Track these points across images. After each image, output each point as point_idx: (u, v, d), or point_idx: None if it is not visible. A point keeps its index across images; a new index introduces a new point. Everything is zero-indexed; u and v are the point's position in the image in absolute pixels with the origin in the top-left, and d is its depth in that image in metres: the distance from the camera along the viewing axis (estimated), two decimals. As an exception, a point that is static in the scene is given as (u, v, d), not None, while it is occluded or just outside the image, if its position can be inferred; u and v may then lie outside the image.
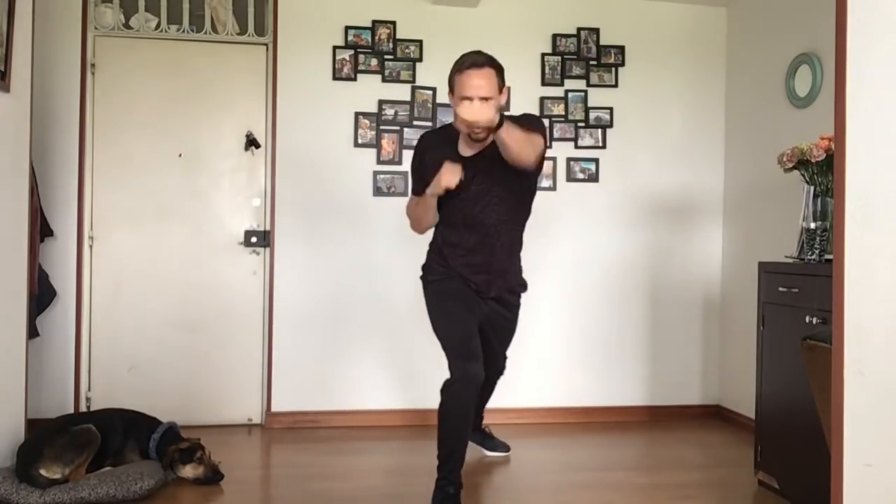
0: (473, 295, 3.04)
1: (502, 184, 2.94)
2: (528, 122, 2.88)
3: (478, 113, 2.64)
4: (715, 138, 4.57)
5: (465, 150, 2.97)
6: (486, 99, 2.77)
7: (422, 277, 3.16)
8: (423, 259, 4.27)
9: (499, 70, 2.86)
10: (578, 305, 4.43)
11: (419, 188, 3.04)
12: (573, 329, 4.42)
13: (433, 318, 3.01)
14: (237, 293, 4.17)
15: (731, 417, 4.40)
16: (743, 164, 4.37)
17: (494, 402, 4.22)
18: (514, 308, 3.25)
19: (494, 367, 3.37)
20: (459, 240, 3.02)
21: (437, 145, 3.03)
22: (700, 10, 4.54)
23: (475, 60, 2.82)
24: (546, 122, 4.37)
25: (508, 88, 3.01)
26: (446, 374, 2.88)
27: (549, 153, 4.36)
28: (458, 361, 2.81)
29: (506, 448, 3.71)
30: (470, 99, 2.77)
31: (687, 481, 3.33)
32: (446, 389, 2.81)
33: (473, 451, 3.73)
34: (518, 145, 2.73)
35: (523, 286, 3.24)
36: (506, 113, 2.83)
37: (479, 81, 2.78)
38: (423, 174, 2.99)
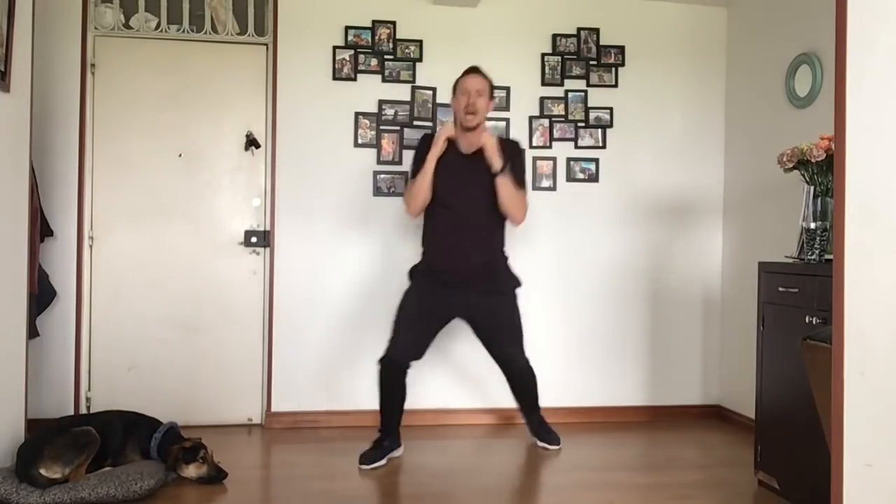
0: (443, 298, 3.49)
1: (486, 185, 3.44)
2: (517, 176, 3.50)
3: (486, 139, 3.45)
4: (715, 138, 4.57)
5: (463, 150, 3.52)
6: (478, 92, 3.46)
7: (410, 271, 3.65)
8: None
9: (489, 81, 3.56)
10: (578, 305, 4.43)
11: (418, 169, 3.50)
12: (573, 329, 4.42)
13: (399, 306, 3.55)
14: (237, 293, 4.17)
15: (731, 417, 4.40)
16: (743, 164, 4.37)
17: (494, 401, 4.25)
18: (504, 299, 3.57)
19: (511, 363, 3.66)
20: (439, 221, 3.51)
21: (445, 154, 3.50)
22: (700, 10, 4.54)
23: (473, 68, 3.57)
24: (546, 122, 4.38)
25: (494, 101, 3.65)
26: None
27: (549, 153, 4.40)
28: (389, 346, 3.51)
29: (556, 441, 3.81)
30: (467, 92, 3.45)
31: (687, 481, 3.33)
32: (378, 366, 3.51)
33: (473, 451, 3.73)
34: (510, 201, 3.45)
35: (513, 280, 3.60)
36: (497, 135, 3.67)
37: (474, 82, 3.50)
38: (423, 156, 3.48)
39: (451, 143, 3.49)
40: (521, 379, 3.72)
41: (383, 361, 3.49)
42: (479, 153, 3.44)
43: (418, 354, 3.51)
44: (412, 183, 3.52)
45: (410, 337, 3.49)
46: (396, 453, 3.60)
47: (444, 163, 3.45)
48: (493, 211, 3.49)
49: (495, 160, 3.40)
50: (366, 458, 3.46)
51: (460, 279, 3.48)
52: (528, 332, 4.18)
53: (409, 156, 4.26)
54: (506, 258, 3.62)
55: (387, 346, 3.50)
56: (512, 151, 3.54)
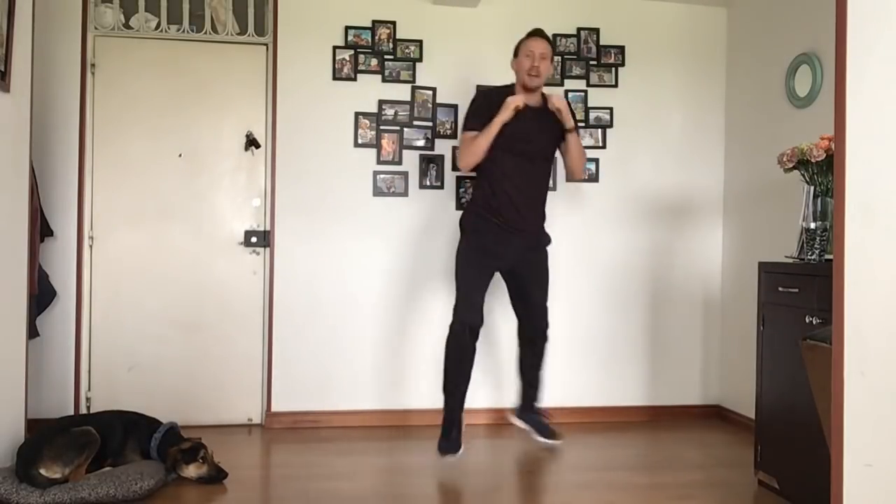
0: (501, 247, 3.57)
1: (547, 143, 3.66)
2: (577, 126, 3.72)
3: (558, 100, 3.65)
4: (715, 138, 4.57)
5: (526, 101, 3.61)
6: (543, 56, 3.58)
7: (460, 224, 3.70)
8: (423, 259, 4.30)
9: (552, 46, 3.68)
10: (578, 306, 4.43)
11: (479, 122, 3.54)
12: (573, 329, 4.42)
13: (457, 266, 3.64)
14: (237, 293, 4.17)
15: (732, 417, 4.40)
16: (743, 164, 4.37)
17: (495, 401, 4.24)
18: (543, 251, 3.74)
19: (536, 324, 3.76)
20: (506, 169, 3.56)
21: (500, 94, 3.61)
22: (700, 10, 4.54)
23: (538, 32, 3.66)
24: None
25: (555, 62, 3.89)
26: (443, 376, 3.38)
27: (549, 153, 4.40)
28: (461, 309, 3.53)
29: (556, 437, 3.81)
30: (531, 54, 3.56)
31: (687, 481, 3.33)
32: (450, 330, 3.52)
33: (474, 451, 3.74)
34: (580, 156, 3.71)
35: (548, 237, 3.75)
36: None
37: (540, 45, 3.60)
38: (489, 109, 3.54)
39: (516, 116, 3.55)
40: (540, 344, 3.78)
41: (457, 328, 3.50)
42: (541, 112, 3.61)
43: (482, 313, 3.54)
44: (471, 138, 3.55)
45: (475, 295, 3.53)
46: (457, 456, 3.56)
47: (515, 123, 3.52)
48: (549, 169, 3.72)
49: (569, 119, 3.60)
50: (448, 450, 3.47)
51: (518, 228, 3.58)
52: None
53: (409, 156, 4.27)
54: (545, 215, 3.76)
55: (457, 310, 3.53)
56: (569, 105, 3.74)
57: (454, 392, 3.54)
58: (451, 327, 3.52)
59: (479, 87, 3.82)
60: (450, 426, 3.52)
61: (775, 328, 3.10)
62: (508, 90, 3.62)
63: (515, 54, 3.65)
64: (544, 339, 3.79)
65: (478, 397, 4.26)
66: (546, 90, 4.36)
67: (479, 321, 3.52)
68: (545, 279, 3.76)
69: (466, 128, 3.62)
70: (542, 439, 3.80)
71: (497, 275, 3.71)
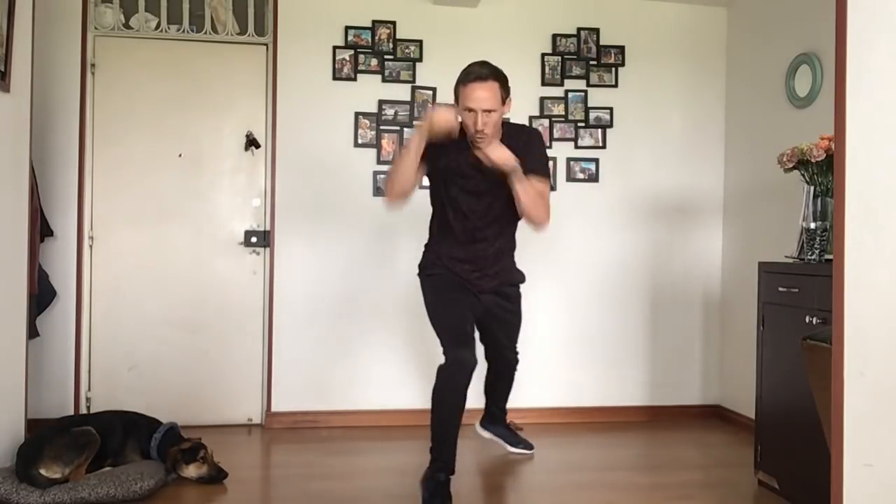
0: (467, 288, 3.13)
1: (502, 192, 3.00)
2: (536, 167, 3.02)
3: (498, 156, 2.87)
4: (715, 138, 4.57)
5: (480, 157, 2.98)
6: (488, 111, 2.86)
7: (419, 273, 3.24)
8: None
9: (503, 82, 2.92)
10: (578, 305, 4.43)
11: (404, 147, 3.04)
12: (573, 329, 4.42)
13: (429, 307, 3.11)
14: (237, 293, 4.17)
15: (731, 417, 4.40)
16: (743, 164, 4.37)
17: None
18: (514, 299, 3.34)
19: (504, 360, 3.48)
20: (451, 232, 3.10)
21: (450, 143, 2.99)
22: (700, 10, 4.54)
23: (479, 73, 2.88)
24: (546, 122, 4.37)
25: (511, 100, 3.02)
26: None
27: (549, 153, 4.36)
28: (451, 348, 2.95)
29: (529, 447, 3.72)
30: (473, 111, 2.86)
31: (687, 481, 3.33)
32: (440, 374, 2.94)
33: (473, 451, 3.74)
34: (529, 205, 2.95)
35: (520, 278, 3.34)
36: (510, 120, 3.13)
37: (482, 94, 2.86)
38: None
39: (464, 146, 2.98)
40: (508, 375, 3.55)
41: (450, 369, 2.91)
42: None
43: (473, 342, 3.05)
44: (398, 157, 3.03)
45: (457, 323, 3.00)
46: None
47: (458, 155, 2.99)
48: (510, 217, 3.11)
49: (506, 166, 2.88)
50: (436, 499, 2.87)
51: (475, 278, 3.11)
52: (528, 333, 4.18)
53: (409, 156, 4.27)
54: (514, 263, 3.29)
55: (446, 350, 2.96)
56: (528, 140, 3.08)
57: (445, 440, 2.96)
58: (441, 370, 2.94)
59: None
60: (437, 471, 2.94)
61: (775, 328, 3.09)
62: (463, 138, 2.98)
63: (455, 98, 2.95)
64: (513, 368, 3.52)
65: (478, 398, 4.25)
66: (544, 91, 4.39)
67: (474, 359, 2.95)
68: (516, 325, 3.37)
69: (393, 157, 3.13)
70: (514, 450, 3.69)
71: None
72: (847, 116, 1.79)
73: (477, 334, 3.24)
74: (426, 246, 3.26)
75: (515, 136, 3.05)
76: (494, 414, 3.71)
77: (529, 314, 4.20)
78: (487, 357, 3.51)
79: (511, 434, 3.75)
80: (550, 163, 4.30)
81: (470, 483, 3.31)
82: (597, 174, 4.44)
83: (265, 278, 4.19)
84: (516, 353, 3.52)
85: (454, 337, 2.99)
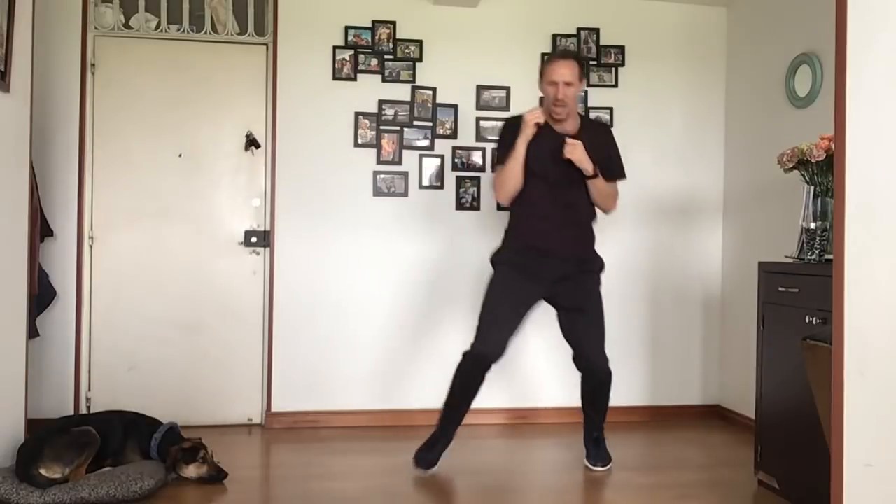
0: (532, 276, 3.31)
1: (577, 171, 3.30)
2: (615, 171, 3.42)
3: (575, 154, 3.24)
4: (715, 138, 4.57)
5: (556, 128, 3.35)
6: (568, 84, 3.24)
7: (491, 259, 3.45)
8: (423, 260, 4.31)
9: (580, 62, 3.34)
10: (578, 305, 4.43)
11: (505, 154, 3.33)
12: (573, 329, 4.41)
13: (485, 296, 3.36)
14: (237, 293, 4.17)
15: (731, 417, 4.40)
16: (743, 164, 4.37)
17: (495, 401, 4.24)
18: (589, 275, 3.43)
19: (593, 360, 3.40)
20: (534, 195, 3.32)
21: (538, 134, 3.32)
22: (700, 10, 4.54)
23: (561, 53, 3.45)
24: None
25: (585, 80, 3.44)
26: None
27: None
28: (476, 338, 3.29)
29: (605, 462, 3.53)
30: (555, 83, 3.24)
31: (687, 481, 3.33)
32: (462, 357, 3.31)
33: (473, 451, 3.74)
34: (603, 197, 3.38)
35: (600, 262, 3.47)
36: (598, 121, 3.63)
37: (562, 70, 3.26)
38: (514, 136, 3.30)
39: (548, 134, 3.30)
40: (599, 379, 3.45)
41: (469, 355, 3.28)
42: (575, 135, 3.31)
43: (504, 349, 3.29)
44: (500, 169, 3.35)
45: (497, 331, 3.28)
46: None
47: (536, 140, 3.27)
48: (579, 192, 3.36)
49: (586, 167, 3.24)
50: (422, 462, 3.34)
51: (553, 251, 3.31)
52: (528, 332, 4.17)
53: (409, 156, 4.27)
54: (594, 237, 3.47)
55: (474, 340, 3.29)
56: (605, 139, 3.43)
57: (451, 414, 3.37)
58: (463, 355, 3.31)
59: (505, 121, 3.53)
60: (435, 441, 3.37)
61: (775, 328, 3.09)
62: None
63: (541, 77, 3.37)
64: (600, 377, 3.44)
65: (491, 397, 4.24)
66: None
67: (492, 354, 3.26)
68: (598, 309, 3.43)
69: (497, 161, 3.43)
70: (592, 466, 3.53)
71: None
72: (847, 116, 1.79)
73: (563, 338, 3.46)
74: (505, 233, 3.47)
75: (594, 130, 3.43)
76: (588, 427, 3.59)
77: (529, 314, 4.21)
78: (578, 366, 3.46)
79: (595, 447, 3.57)
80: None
81: (470, 483, 3.31)
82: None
83: (265, 278, 4.19)
84: (606, 359, 3.42)
85: (485, 328, 3.28)
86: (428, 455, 3.35)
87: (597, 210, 3.45)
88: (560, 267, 3.33)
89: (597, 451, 3.53)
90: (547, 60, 3.38)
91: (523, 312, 3.35)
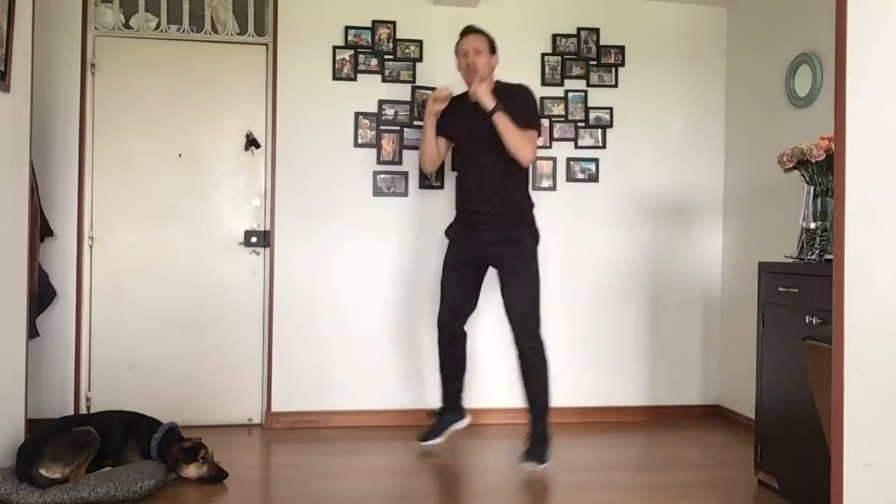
0: (472, 243, 3.57)
1: (489, 122, 3.47)
2: (524, 118, 3.51)
3: (474, 90, 3.49)
4: (715, 138, 4.57)
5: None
6: (477, 52, 3.53)
7: (445, 232, 3.75)
8: (423, 259, 4.30)
9: (487, 37, 3.61)
10: (578, 305, 4.43)
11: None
12: (573, 329, 4.42)
13: (441, 278, 3.70)
14: (237, 293, 4.17)
15: (732, 417, 4.40)
16: (743, 164, 4.37)
17: (494, 401, 4.24)
18: (519, 244, 3.53)
19: (514, 332, 3.48)
20: (462, 169, 3.67)
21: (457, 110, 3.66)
22: (700, 10, 4.54)
23: (468, 28, 3.66)
24: (546, 122, 4.37)
25: (497, 56, 3.64)
26: None
27: (549, 153, 4.39)
28: (439, 314, 3.68)
29: (535, 460, 3.43)
30: (466, 53, 3.54)
31: (687, 481, 3.33)
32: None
33: (473, 451, 3.74)
34: (511, 139, 3.45)
35: (531, 231, 3.57)
36: (502, 80, 3.63)
37: (470, 42, 3.57)
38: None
39: (465, 98, 3.56)
40: (524, 354, 3.45)
41: (438, 333, 3.68)
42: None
43: (463, 316, 3.64)
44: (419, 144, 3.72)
45: (450, 301, 3.63)
46: (459, 425, 3.75)
47: (459, 117, 3.60)
48: (503, 157, 3.48)
49: (485, 101, 3.43)
50: (423, 435, 3.69)
51: (482, 221, 3.53)
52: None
53: (409, 156, 4.27)
54: (528, 206, 3.63)
55: (438, 315, 3.67)
56: (517, 94, 3.58)
57: (443, 385, 3.74)
58: (438, 322, 3.69)
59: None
60: (439, 411, 3.75)
61: (775, 328, 3.10)
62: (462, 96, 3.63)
63: (456, 53, 3.65)
64: (521, 354, 3.46)
65: (479, 397, 4.26)
66: (544, 91, 4.39)
67: (449, 324, 3.62)
68: (521, 277, 3.48)
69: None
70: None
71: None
72: (847, 116, 1.79)
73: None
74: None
75: (505, 91, 3.56)
76: (529, 433, 3.49)
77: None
78: (515, 346, 3.52)
79: (535, 443, 3.46)
80: (549, 162, 4.36)
81: (470, 483, 3.31)
82: (597, 174, 4.44)
83: (265, 278, 4.19)
84: (533, 334, 3.44)
85: (441, 301, 3.68)
86: (429, 428, 3.71)
87: (527, 179, 3.63)
88: (490, 232, 3.52)
89: (528, 446, 3.43)
90: (459, 39, 3.65)
91: (468, 283, 3.62)
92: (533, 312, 3.48)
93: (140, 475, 2.98)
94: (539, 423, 3.49)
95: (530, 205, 3.64)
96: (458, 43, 3.62)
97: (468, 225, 3.60)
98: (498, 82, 3.61)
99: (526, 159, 3.49)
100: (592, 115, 4.44)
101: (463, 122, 3.59)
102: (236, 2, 4.17)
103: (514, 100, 3.51)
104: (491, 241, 3.53)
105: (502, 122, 3.42)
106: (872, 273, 1.77)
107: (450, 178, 4.30)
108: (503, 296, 3.52)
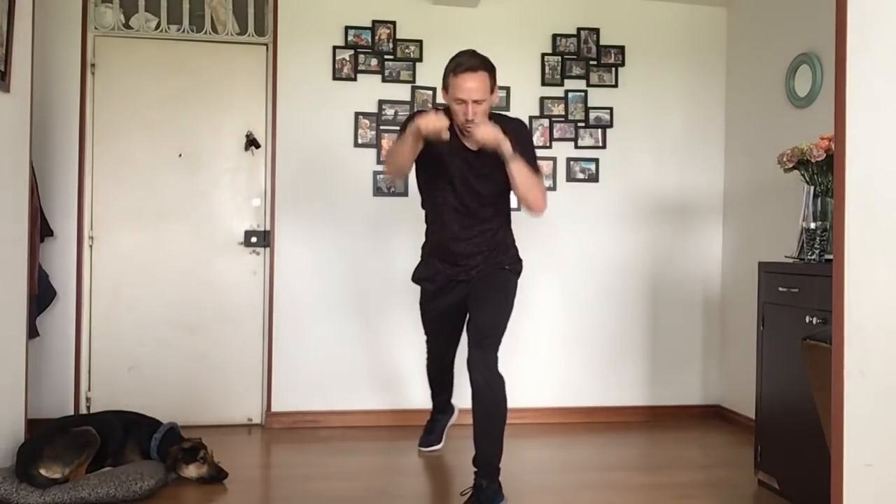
0: (449, 291, 3.21)
1: (491, 179, 2.99)
2: (532, 162, 2.98)
3: (484, 134, 2.82)
4: (715, 138, 4.57)
5: (467, 143, 3.00)
6: (478, 102, 2.84)
7: (412, 279, 3.37)
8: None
9: (492, 72, 2.91)
10: (578, 305, 4.43)
11: (402, 131, 2.99)
12: (573, 329, 4.42)
13: (421, 315, 3.47)
14: (237, 293, 4.17)
15: (732, 417, 4.40)
16: (743, 164, 4.37)
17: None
18: (502, 271, 3.11)
19: (469, 355, 2.93)
20: (443, 217, 3.10)
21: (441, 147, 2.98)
22: (700, 10, 4.54)
23: (470, 64, 2.85)
24: (546, 122, 4.38)
25: (497, 89, 3.00)
26: None
27: (549, 153, 4.39)
28: (427, 350, 3.59)
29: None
30: (464, 101, 2.83)
31: (687, 481, 3.33)
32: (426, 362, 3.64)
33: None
34: (527, 186, 2.89)
35: (511, 266, 3.15)
36: (495, 111, 3.06)
37: (472, 84, 2.83)
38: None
39: (453, 135, 2.91)
40: (473, 386, 2.92)
41: (427, 361, 3.62)
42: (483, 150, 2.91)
43: (454, 349, 3.52)
44: (393, 142, 3.10)
45: (436, 338, 3.51)
46: (451, 421, 3.81)
47: (443, 157, 2.98)
48: (500, 206, 3.10)
49: (504, 148, 2.81)
50: (422, 442, 3.75)
51: (463, 273, 3.11)
52: (528, 332, 4.18)
53: (409, 156, 4.27)
54: (515, 248, 3.20)
55: (427, 350, 3.60)
56: (517, 132, 2.97)
57: (433, 397, 3.75)
58: (427, 355, 3.60)
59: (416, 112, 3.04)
60: (431, 413, 3.79)
61: (775, 328, 3.09)
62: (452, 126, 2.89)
63: (445, 88, 2.91)
64: (473, 384, 2.89)
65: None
66: (544, 91, 4.39)
67: (447, 356, 3.54)
68: (494, 293, 3.06)
69: (398, 136, 3.08)
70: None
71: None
72: (847, 116, 1.79)
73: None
74: (422, 247, 3.32)
75: (507, 124, 2.96)
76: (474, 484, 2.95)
77: (529, 314, 4.22)
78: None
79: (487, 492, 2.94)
80: (550, 163, 4.37)
81: (469, 483, 3.30)
82: (597, 174, 4.44)
83: (265, 278, 4.19)
84: (486, 363, 2.89)
85: (428, 339, 3.55)
86: (427, 436, 3.75)
87: (511, 231, 3.20)
88: (468, 281, 3.12)
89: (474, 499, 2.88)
90: (451, 68, 2.87)
91: (456, 317, 3.22)
92: (494, 334, 2.97)
93: (140, 475, 2.98)
94: (490, 483, 2.90)
95: (516, 248, 3.21)
96: (452, 78, 2.85)
97: (446, 276, 3.16)
98: (492, 114, 3.00)
99: (542, 209, 2.97)
100: (592, 115, 4.44)
101: (448, 160, 2.99)
102: (236, 2, 4.17)
103: (515, 138, 2.89)
104: (473, 278, 3.12)
105: (519, 170, 2.85)
106: (872, 273, 1.77)
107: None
108: (469, 304, 3.09)
